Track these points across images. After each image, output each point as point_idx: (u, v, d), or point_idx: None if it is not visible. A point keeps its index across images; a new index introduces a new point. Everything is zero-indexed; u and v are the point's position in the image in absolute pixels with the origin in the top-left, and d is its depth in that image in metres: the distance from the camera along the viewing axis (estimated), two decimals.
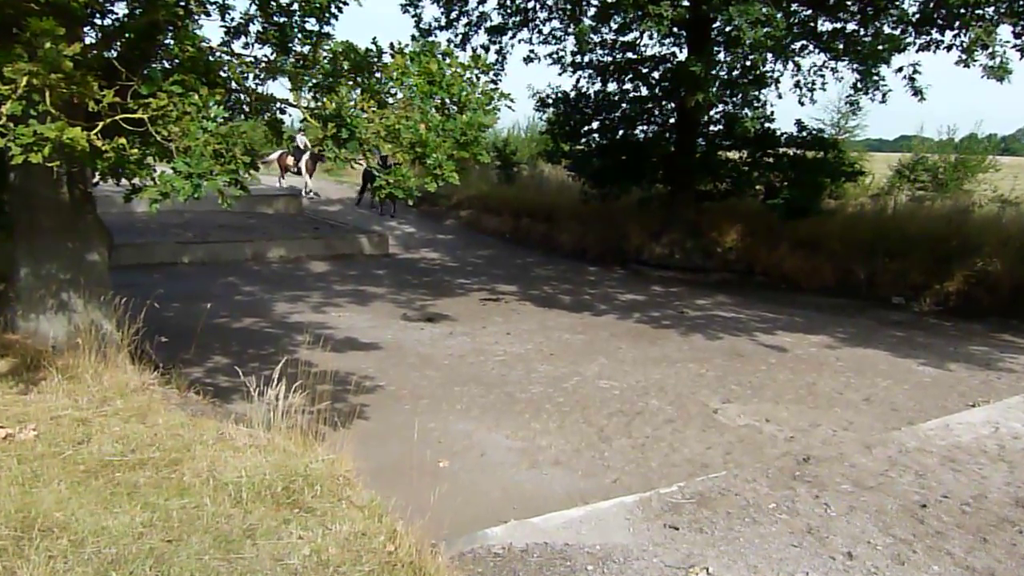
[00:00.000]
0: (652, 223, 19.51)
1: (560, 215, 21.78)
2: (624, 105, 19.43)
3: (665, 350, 11.78)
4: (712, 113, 18.89)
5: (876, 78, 16.55)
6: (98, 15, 6.94)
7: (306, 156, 25.99)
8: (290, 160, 26.13)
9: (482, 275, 17.99)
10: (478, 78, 6.29)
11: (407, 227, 23.82)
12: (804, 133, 18.68)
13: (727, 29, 15.40)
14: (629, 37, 18.80)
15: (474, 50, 18.63)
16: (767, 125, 18.65)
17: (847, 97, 17.99)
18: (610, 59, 19.35)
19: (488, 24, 18.62)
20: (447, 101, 6.22)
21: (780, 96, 20.20)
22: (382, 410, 8.61)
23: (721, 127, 19.34)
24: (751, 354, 11.68)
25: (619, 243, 19.81)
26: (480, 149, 6.19)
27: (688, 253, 18.72)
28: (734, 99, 18.27)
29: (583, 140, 20.14)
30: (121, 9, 7.52)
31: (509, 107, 6.45)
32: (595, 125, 19.94)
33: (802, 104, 18.66)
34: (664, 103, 19.32)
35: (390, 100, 6.31)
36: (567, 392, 9.58)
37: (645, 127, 19.95)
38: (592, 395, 9.49)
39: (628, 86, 19.41)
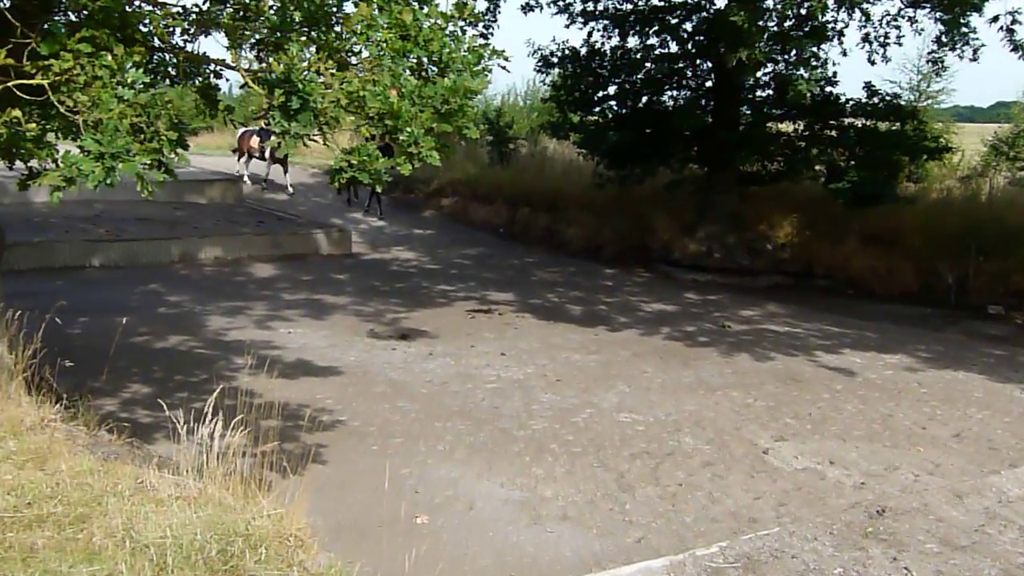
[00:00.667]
0: (684, 213, 19.61)
1: (568, 204, 21.82)
2: (648, 65, 19.54)
3: (702, 374, 11.76)
4: (759, 74, 19.01)
5: (965, 30, 16.61)
6: None
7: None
8: (255, 141, 25.49)
9: (469, 280, 17.94)
10: (464, 32, 6.28)
11: (375, 220, 23.87)
12: (875, 99, 18.77)
13: None
14: None
15: None
16: (828, 89, 18.81)
17: (929, 54, 18.23)
18: (630, 7, 19.46)
19: None
20: (425, 61, 6.23)
21: (845, 53, 20.37)
22: (344, 452, 8.60)
23: (770, 92, 19.43)
24: (810, 379, 11.66)
25: (642, 238, 19.91)
26: (466, 121, 6.19)
27: (730, 251, 18.80)
28: (786, 56, 18.40)
29: (597, 109, 20.26)
30: None
31: (503, 68, 6.45)
32: (612, 90, 20.04)
33: (872, 63, 18.71)
34: (699, 62, 19.46)
35: (353, 60, 6.31)
36: (578, 428, 9.58)
37: (675, 92, 20.05)
38: (609, 432, 9.49)
39: (653, 41, 19.52)
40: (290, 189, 25.40)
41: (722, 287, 17.79)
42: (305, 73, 6.04)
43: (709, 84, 19.70)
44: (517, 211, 22.87)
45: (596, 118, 20.55)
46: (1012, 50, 16.25)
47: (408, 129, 6.05)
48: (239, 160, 26.20)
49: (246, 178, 25.88)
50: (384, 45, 6.09)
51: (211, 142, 32.20)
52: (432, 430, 9.35)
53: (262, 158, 25.64)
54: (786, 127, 19.73)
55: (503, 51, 6.35)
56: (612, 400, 10.55)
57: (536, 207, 22.41)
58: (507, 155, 27.27)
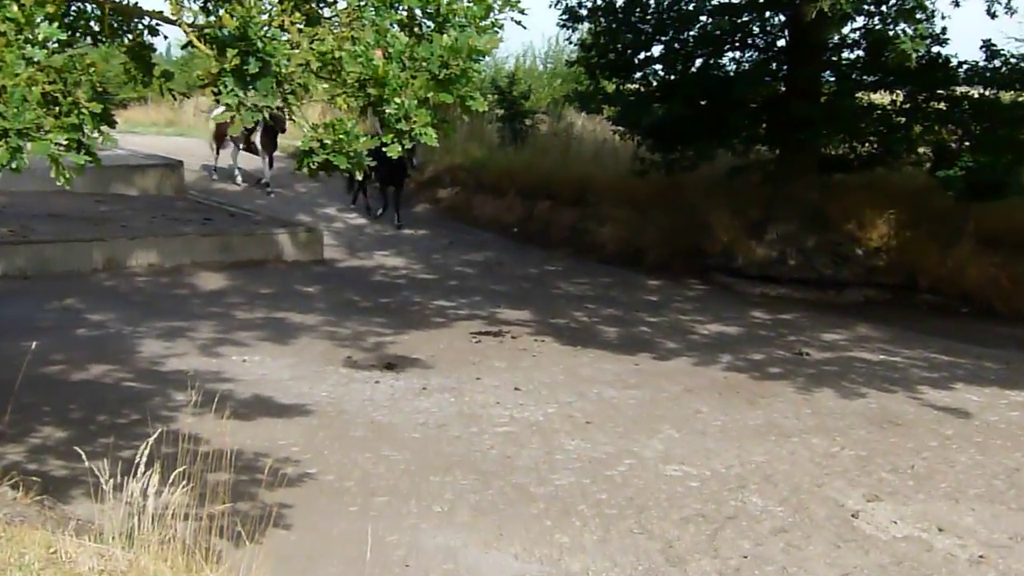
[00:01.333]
0: (749, 208, 19.74)
1: (600, 196, 21.87)
2: (704, 18, 19.69)
3: (773, 415, 11.75)
4: (846, 31, 19.09)
5: None
6: None
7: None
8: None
9: (474, 293, 18.00)
10: None
11: (353, 216, 23.91)
12: (996, 63, 18.72)
13: None
14: None
15: None
16: (936, 50, 18.76)
17: None
18: None
19: None
20: (418, 13, 6.25)
21: (957, 3, 20.18)
22: (314, 513, 8.59)
23: (861, 54, 19.52)
24: (913, 422, 11.63)
25: (696, 240, 19.96)
26: (471, 90, 6.15)
27: (808, 256, 18.84)
28: (882, 8, 18.38)
29: (638, 75, 20.44)
30: None
31: (518, 23, 6.44)
32: (657, 51, 20.13)
33: (993, 16, 18.70)
34: (769, 14, 19.57)
35: (326, 12, 6.36)
36: (613, 484, 9.56)
37: (738, 54, 20.20)
38: (654, 489, 9.47)
39: None
40: (267, 182, 25.32)
41: (799, 303, 17.85)
42: (265, 29, 6.00)
43: (782, 43, 19.82)
44: (535, 205, 22.97)
45: (637, 86, 20.62)
46: None
47: (396, 100, 6.06)
48: (216, 150, 26.08)
49: (238, 176, 25.57)
50: None
51: (144, 117, 32.42)
52: (426, 486, 9.30)
53: (249, 149, 25.18)
54: (881, 98, 19.79)
55: (518, 1, 6.34)
56: (657, 448, 10.52)
57: (559, 200, 22.46)
58: (522, 134, 27.34)
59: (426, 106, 6.11)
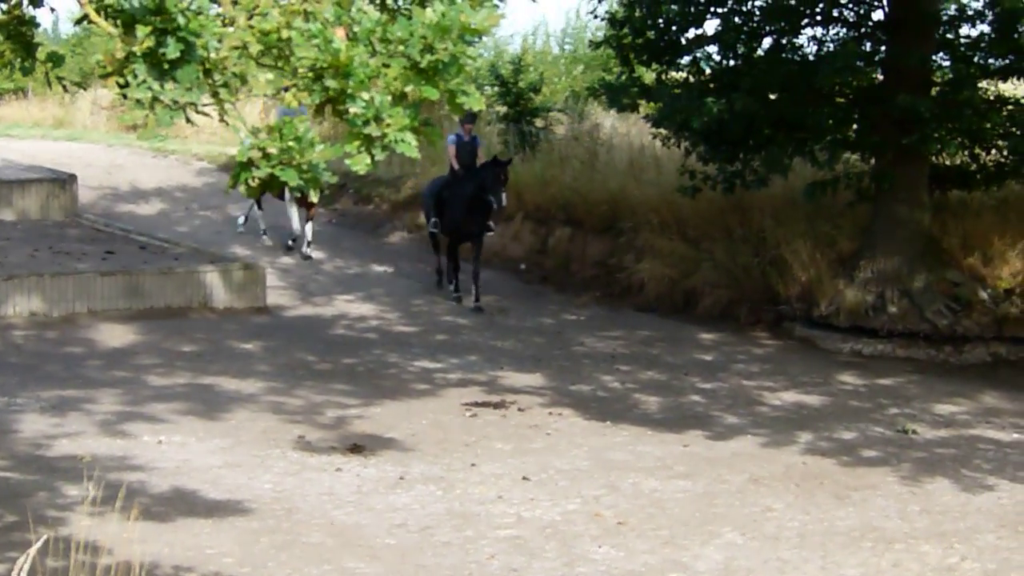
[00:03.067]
0: (838, 237, 19.80)
1: (637, 221, 21.97)
2: None
3: (869, 514, 11.71)
4: (966, 0, 19.21)
5: None
6: None
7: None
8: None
9: (468, 351, 18.14)
10: None
11: (314, 252, 23.80)
12: None
13: None
14: None
15: None
16: None
17: None
18: None
19: None
20: None
21: None
22: None
23: (986, 29, 19.51)
24: None
25: (765, 280, 20.02)
26: (463, 82, 6.05)
27: (916, 302, 18.83)
28: None
29: (686, 60, 20.56)
30: None
31: None
32: (711, 28, 20.27)
33: None
34: None
35: None
36: None
37: (820, 31, 20.31)
38: None
39: None
40: (307, 247, 23.78)
41: (903, 364, 17.87)
42: (189, 1, 5.95)
43: (879, 16, 19.92)
44: (550, 234, 23.12)
45: (685, 75, 20.71)
46: None
47: (364, 95, 6.05)
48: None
49: (263, 234, 24.49)
50: None
51: (23, 115, 32.49)
52: None
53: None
54: (1014, 89, 19.93)
55: None
56: (715, 559, 10.45)
57: (583, 227, 22.52)
58: (532, 139, 27.36)
59: (404, 103, 6.05)
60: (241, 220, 24.47)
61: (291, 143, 6.08)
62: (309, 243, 23.28)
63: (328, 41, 5.91)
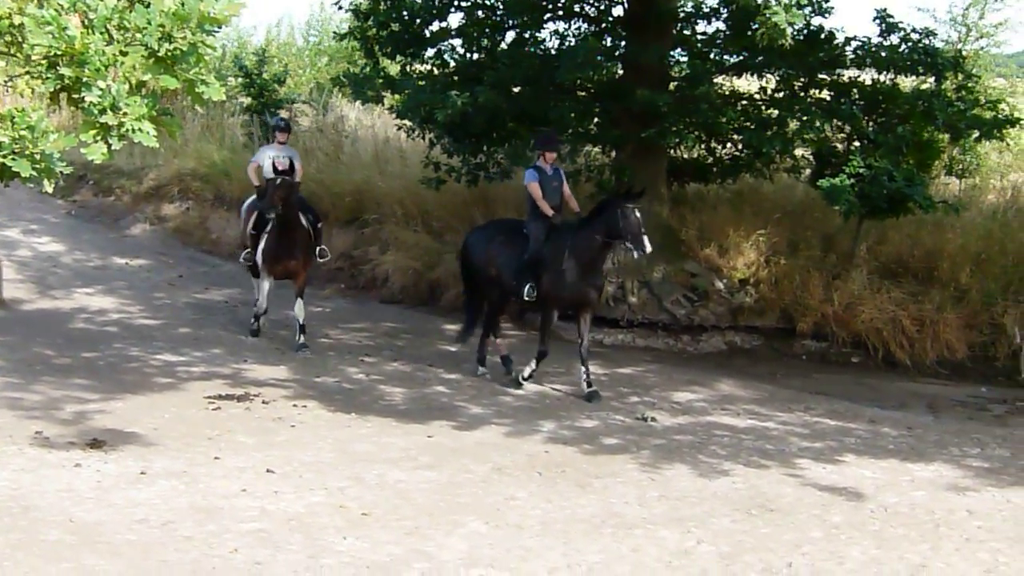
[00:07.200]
0: None
1: (382, 214, 21.60)
2: None
3: (610, 501, 11.16)
4: None
5: None
6: None
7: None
8: (271, 164, 17.45)
9: (211, 344, 17.13)
10: None
11: (45, 241, 23.00)
12: (895, 40, 18.26)
13: None
14: None
15: None
16: (817, 22, 18.35)
17: None
18: None
19: None
20: None
21: None
22: None
23: (722, 27, 19.21)
24: (791, 507, 11.08)
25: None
26: (203, 71, 6.18)
27: (655, 292, 18.46)
28: None
29: (430, 54, 19.79)
30: None
31: None
32: (455, 20, 19.74)
33: None
34: None
35: None
36: None
37: (563, 25, 19.80)
38: None
39: None
40: (300, 335, 17.04)
41: (644, 353, 17.87)
42: None
43: (619, 11, 19.27)
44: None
45: (429, 67, 19.89)
46: None
47: (101, 84, 5.98)
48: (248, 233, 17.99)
49: (259, 311, 17.82)
50: None
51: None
52: None
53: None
54: (748, 85, 19.68)
55: None
56: (460, 548, 9.81)
57: (327, 219, 21.34)
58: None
59: (142, 93, 6.17)
60: (255, 325, 17.78)
61: (23, 132, 6.23)
62: (302, 327, 16.87)
63: (63, 28, 5.96)
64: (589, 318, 15.03)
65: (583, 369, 14.77)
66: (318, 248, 17.13)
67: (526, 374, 15.12)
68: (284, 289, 17.81)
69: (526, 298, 14.75)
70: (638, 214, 14.13)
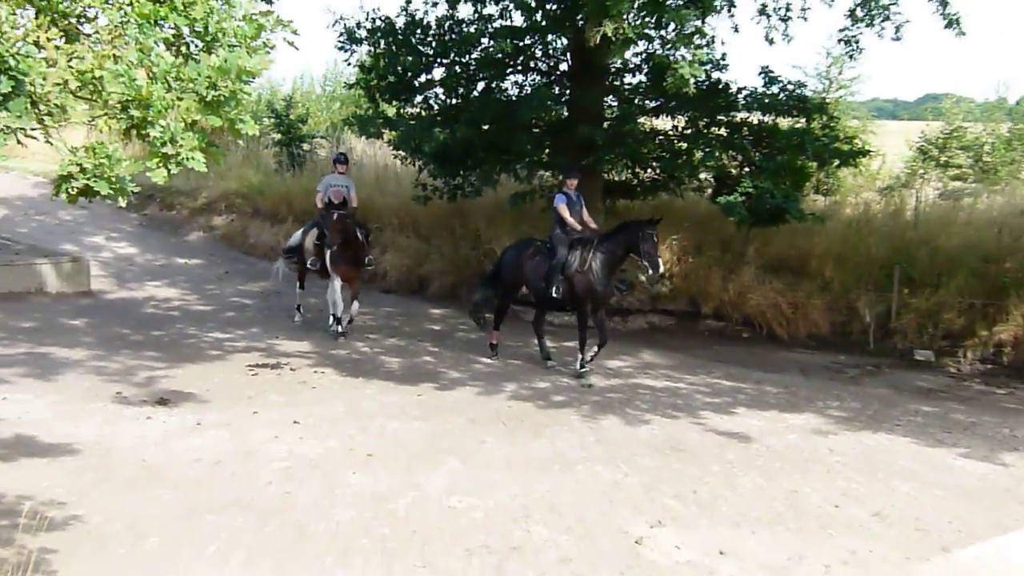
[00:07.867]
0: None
1: (382, 223, 22.03)
2: (486, 41, 19.78)
3: (558, 445, 11.87)
4: (629, 56, 19.47)
5: (885, 1, 17.25)
6: None
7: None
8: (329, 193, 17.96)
9: (251, 324, 17.94)
10: None
11: (122, 245, 23.49)
12: (775, 89, 19.46)
13: None
14: None
15: None
16: (716, 76, 19.44)
17: (841, 31, 18.90)
18: None
19: None
20: (185, 32, 6.22)
21: (736, 29, 20.80)
22: (80, 559, 8.35)
23: (644, 78, 19.95)
24: (696, 448, 11.87)
25: (481, 267, 20.03)
26: (241, 112, 6.20)
27: None
28: (663, 32, 18.66)
29: (419, 98, 20.58)
30: None
31: (291, 44, 6.49)
32: (438, 74, 20.28)
33: (771, 42, 19.21)
34: (551, 38, 19.78)
35: (87, 28, 6.23)
36: (396, 518, 9.56)
37: (521, 77, 20.44)
38: (438, 522, 9.49)
39: (492, 9, 19.81)
40: (347, 323, 17.74)
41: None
42: (18, 44, 5.89)
43: (565, 67, 20.03)
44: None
45: (418, 110, 20.76)
46: (945, 26, 16.86)
47: (163, 122, 6.05)
48: (301, 266, 18.43)
49: (297, 310, 18.88)
50: (129, 10, 6.04)
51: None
52: (201, 527, 9.13)
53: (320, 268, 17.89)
54: (663, 123, 20.20)
55: (290, 21, 6.38)
56: (441, 481, 10.52)
57: None
58: (300, 159, 27.28)
59: (195, 129, 6.11)
60: (298, 319, 18.51)
61: (102, 159, 6.14)
62: (352, 320, 17.58)
63: (133, 79, 5.93)
64: (603, 312, 15.55)
65: (594, 351, 15.09)
66: (367, 258, 17.74)
67: (588, 357, 15.14)
68: (317, 288, 18.23)
69: (554, 295, 15.17)
70: (656, 238, 14.88)
